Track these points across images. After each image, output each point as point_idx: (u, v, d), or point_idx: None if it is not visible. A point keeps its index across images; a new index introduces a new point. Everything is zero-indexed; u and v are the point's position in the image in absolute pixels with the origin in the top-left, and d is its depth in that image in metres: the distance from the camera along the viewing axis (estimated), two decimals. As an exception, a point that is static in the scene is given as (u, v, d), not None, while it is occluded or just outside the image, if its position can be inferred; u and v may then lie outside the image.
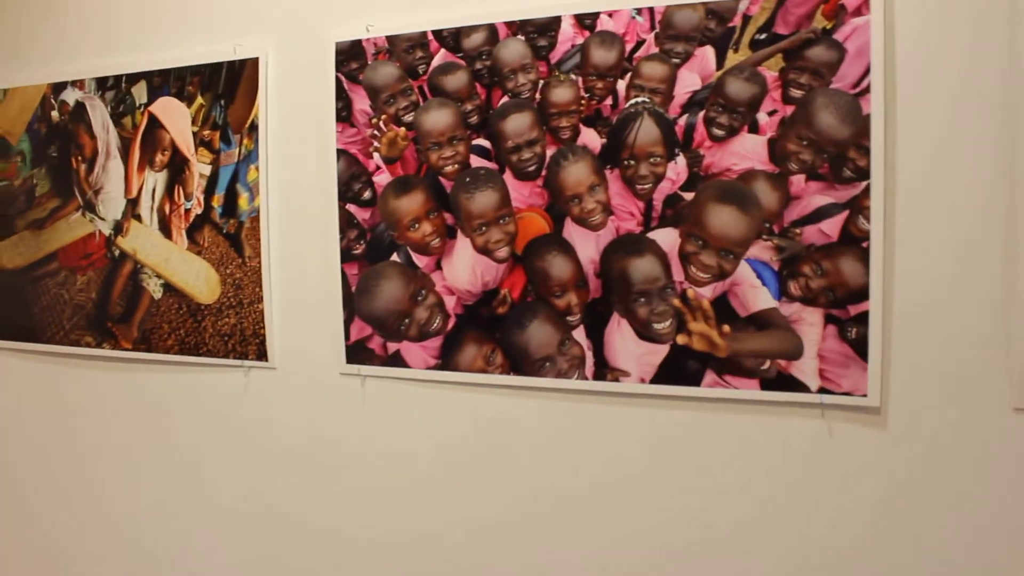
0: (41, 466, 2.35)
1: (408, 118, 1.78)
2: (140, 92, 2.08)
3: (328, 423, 1.94)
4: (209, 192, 1.98)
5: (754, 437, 1.56)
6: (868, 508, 1.53)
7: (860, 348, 1.47)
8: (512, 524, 1.77)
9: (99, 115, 2.12)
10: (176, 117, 2.02)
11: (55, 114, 2.20)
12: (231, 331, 1.96)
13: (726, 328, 1.53)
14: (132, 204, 2.10)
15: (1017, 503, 1.43)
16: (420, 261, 1.78)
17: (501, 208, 1.69)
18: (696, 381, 1.58)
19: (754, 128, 1.51)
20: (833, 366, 1.49)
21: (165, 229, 2.06)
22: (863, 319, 1.46)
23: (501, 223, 1.68)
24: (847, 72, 1.44)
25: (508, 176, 1.69)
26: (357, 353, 1.85)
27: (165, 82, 2.04)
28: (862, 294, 1.46)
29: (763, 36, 1.49)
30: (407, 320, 1.78)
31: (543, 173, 1.66)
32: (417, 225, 1.75)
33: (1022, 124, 1.36)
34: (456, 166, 1.73)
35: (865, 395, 1.48)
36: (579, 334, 1.65)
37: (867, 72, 1.43)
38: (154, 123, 2.04)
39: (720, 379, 1.56)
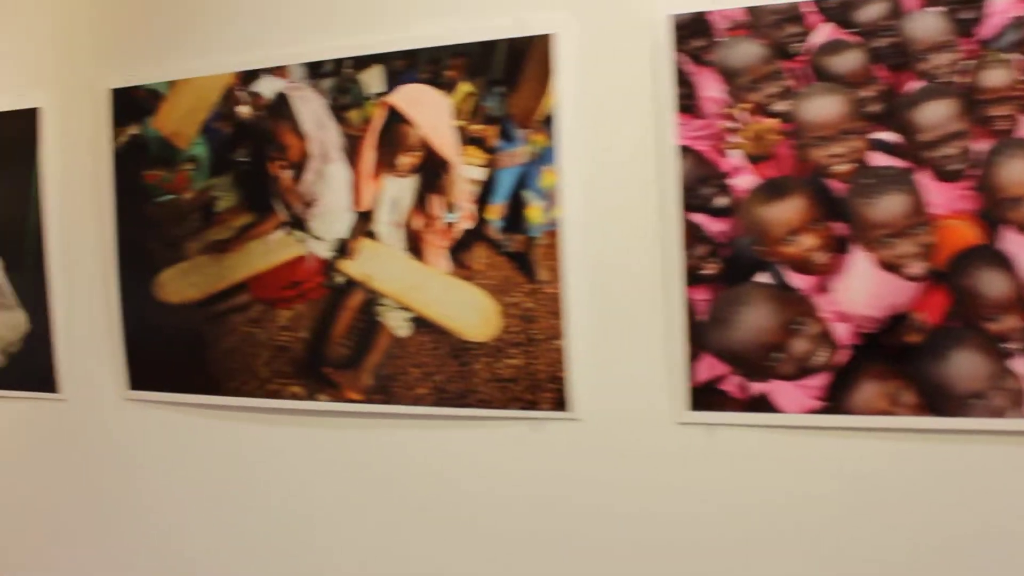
0: (232, 551, 2.15)
1: (779, 107, 1.64)
2: (373, 79, 1.89)
3: (656, 487, 1.81)
4: (483, 201, 1.79)
5: None
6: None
7: None
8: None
9: (311, 109, 1.92)
10: (429, 109, 1.84)
11: (244, 109, 1.97)
12: (515, 375, 1.79)
13: None
14: (363, 219, 1.91)
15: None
16: (799, 282, 1.66)
17: (913, 215, 1.60)
18: None
19: None
20: None
21: (415, 249, 1.87)
22: None
23: (913, 233, 1.59)
24: None
25: (923, 176, 1.56)
26: (705, 397, 1.73)
27: (411, 65, 1.85)
28: None
29: None
30: (779, 354, 1.66)
31: (971, 172, 1.56)
32: (795, 238, 1.66)
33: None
34: (850, 165, 1.64)
35: None
36: (1019, 364, 1.53)
37: None
38: (396, 117, 1.84)
39: None
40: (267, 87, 1.99)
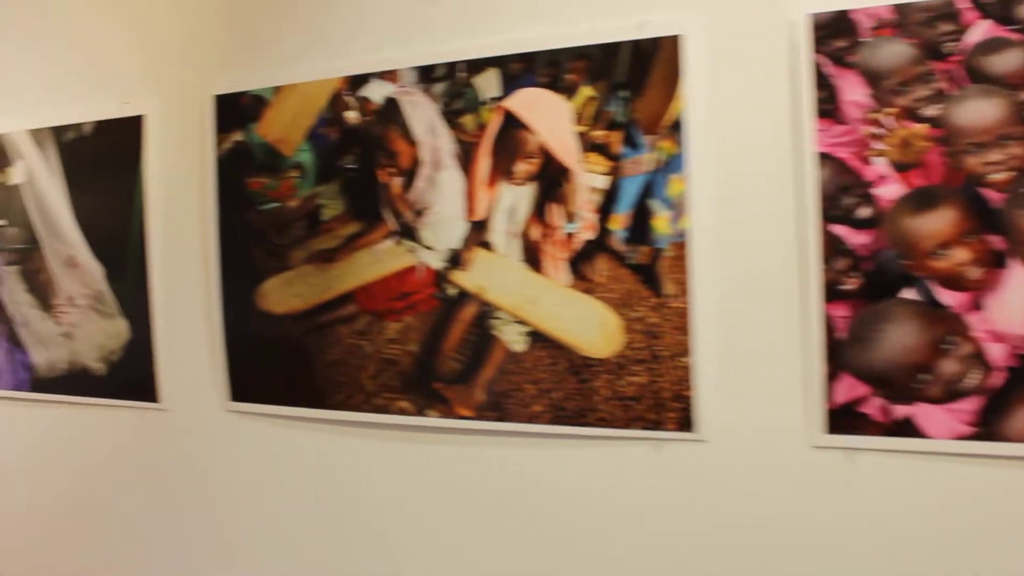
0: (333, 571, 2.15)
1: (929, 111, 1.57)
2: (488, 83, 1.84)
3: (788, 513, 1.73)
4: (606, 211, 1.73)
5: None
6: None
7: None
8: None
9: (422, 114, 1.87)
10: (548, 114, 1.79)
11: (352, 115, 1.94)
12: (638, 393, 1.72)
13: None
14: (477, 228, 1.86)
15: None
16: (949, 298, 1.59)
17: (1080, 227, 1.45)
18: None
19: None
20: None
21: (533, 260, 1.81)
22: None
23: (1080, 247, 1.45)
24: None
25: (1093, 185, 1.45)
26: (843, 420, 1.66)
27: (528, 69, 1.80)
28: None
29: None
30: (926, 375, 1.59)
31: None
32: (946, 251, 1.58)
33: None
34: (1008, 173, 1.55)
35: None
36: None
37: None
38: (512, 123, 1.78)
39: None
40: (376, 92, 1.96)
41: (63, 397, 2.45)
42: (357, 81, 1.99)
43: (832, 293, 1.65)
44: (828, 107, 1.64)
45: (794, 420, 1.71)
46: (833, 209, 1.64)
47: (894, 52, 1.60)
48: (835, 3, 1.63)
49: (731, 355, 1.74)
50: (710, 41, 1.72)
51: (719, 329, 1.74)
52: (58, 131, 2.37)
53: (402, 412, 1.99)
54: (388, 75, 1.95)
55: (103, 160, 2.30)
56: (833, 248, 1.65)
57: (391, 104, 1.94)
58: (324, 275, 2.05)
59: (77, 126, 2.34)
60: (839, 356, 1.65)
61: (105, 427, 2.42)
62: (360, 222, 2.02)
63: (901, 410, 1.63)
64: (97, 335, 2.35)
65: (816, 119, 1.65)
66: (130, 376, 2.32)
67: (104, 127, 2.31)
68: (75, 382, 2.41)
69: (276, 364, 2.14)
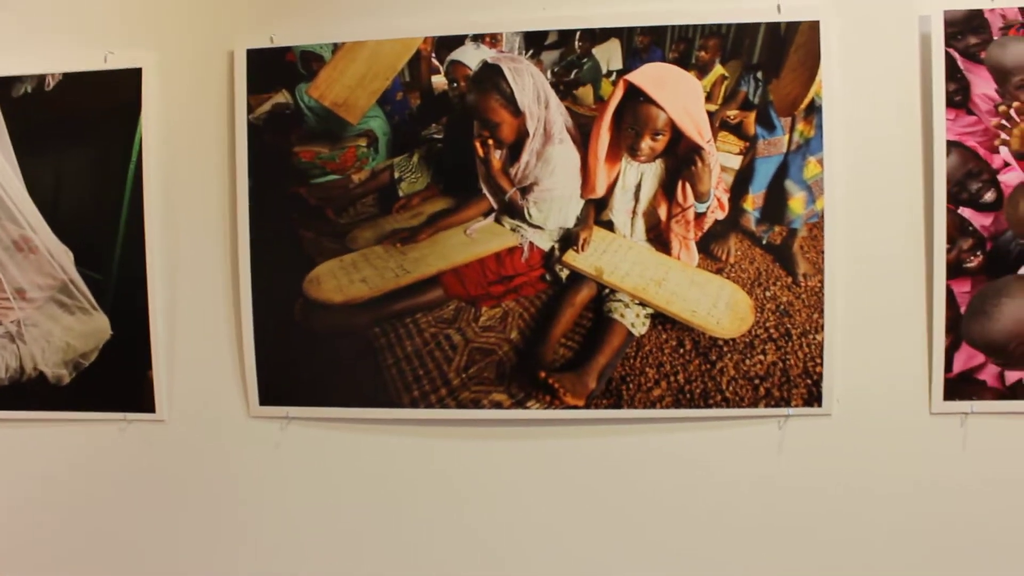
0: None
1: (1049, 107, 1.80)
2: (609, 54, 1.87)
3: (909, 478, 1.91)
4: (738, 191, 1.84)
5: None
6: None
7: None
8: None
9: (530, 83, 1.86)
10: (677, 91, 1.86)
11: (438, 80, 1.86)
12: (767, 371, 1.85)
13: None
14: (596, 207, 1.87)
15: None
16: (1061, 274, 1.81)
17: None
18: None
19: None
20: None
21: (658, 240, 1.87)
22: None
23: None
24: None
25: None
26: (960, 386, 1.87)
27: (656, 42, 1.85)
28: None
29: None
30: (1039, 342, 1.80)
31: None
32: None
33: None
34: None
35: None
36: None
37: None
38: (636, 97, 1.83)
39: None
40: (471, 56, 1.87)
41: (4, 413, 2.01)
42: (446, 43, 1.88)
43: (955, 270, 1.85)
44: (958, 99, 1.81)
45: (915, 390, 1.90)
46: (960, 193, 1.82)
47: (1021, 51, 1.80)
48: (969, 1, 1.80)
49: (858, 331, 1.89)
50: (845, 29, 1.84)
51: (847, 306, 1.88)
52: (2, 83, 1.95)
53: (498, 406, 1.91)
54: (488, 39, 1.86)
55: (75, 121, 1.94)
56: (959, 229, 1.83)
57: (491, 70, 1.86)
58: (400, 257, 1.91)
59: (36, 78, 1.94)
60: (959, 328, 1.83)
61: (71, 446, 2.04)
62: (450, 198, 1.91)
63: (1015, 375, 1.84)
64: (60, 335, 1.99)
65: (946, 109, 1.81)
66: (110, 383, 1.98)
67: (77, 80, 1.94)
68: (23, 393, 2.00)
69: (328, 360, 1.94)
